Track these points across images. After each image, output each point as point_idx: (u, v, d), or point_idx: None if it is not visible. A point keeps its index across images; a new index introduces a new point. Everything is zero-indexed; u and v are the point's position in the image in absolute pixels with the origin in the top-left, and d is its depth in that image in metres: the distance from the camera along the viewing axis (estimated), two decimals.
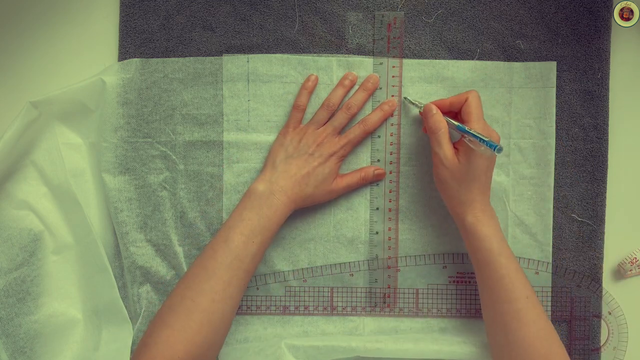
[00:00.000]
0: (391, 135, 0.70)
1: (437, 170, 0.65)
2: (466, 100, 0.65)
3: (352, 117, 0.69)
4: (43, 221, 0.69)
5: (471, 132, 0.62)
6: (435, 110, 0.65)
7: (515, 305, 0.62)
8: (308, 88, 0.69)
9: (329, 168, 0.68)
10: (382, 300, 0.71)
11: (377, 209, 0.71)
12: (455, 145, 0.65)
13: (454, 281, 0.71)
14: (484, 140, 0.61)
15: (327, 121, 0.69)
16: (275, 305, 0.71)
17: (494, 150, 0.61)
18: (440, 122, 0.64)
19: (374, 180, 0.71)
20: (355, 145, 0.70)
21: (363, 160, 0.71)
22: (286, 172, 0.67)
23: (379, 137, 0.70)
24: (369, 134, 0.70)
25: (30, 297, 0.68)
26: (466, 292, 0.71)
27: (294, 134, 0.69)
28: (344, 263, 0.71)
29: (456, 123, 0.64)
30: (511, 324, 0.62)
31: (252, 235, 0.64)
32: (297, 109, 0.69)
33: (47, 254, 0.69)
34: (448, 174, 0.64)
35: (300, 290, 0.71)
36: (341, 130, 0.69)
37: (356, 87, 0.70)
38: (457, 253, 0.71)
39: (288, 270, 0.71)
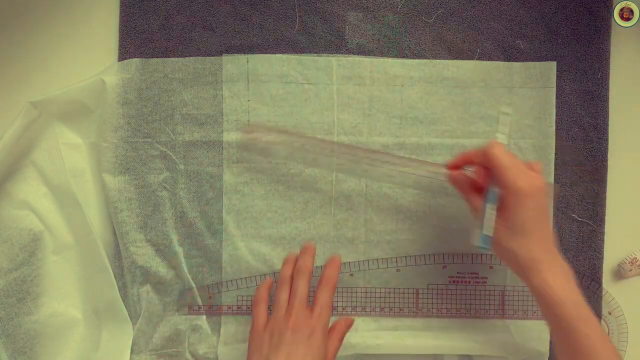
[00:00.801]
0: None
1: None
2: (490, 156, 0.58)
3: (310, 280, 0.64)
4: (43, 221, 0.69)
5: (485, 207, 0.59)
6: (462, 178, 0.61)
7: None
8: (267, 285, 0.66)
9: (317, 348, 0.60)
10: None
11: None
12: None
13: (454, 281, 0.71)
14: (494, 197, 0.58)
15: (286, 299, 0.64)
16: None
17: (479, 244, 0.58)
18: (470, 194, 0.61)
19: (347, 329, 0.66)
20: (330, 306, 0.63)
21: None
22: None
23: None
24: (335, 289, 0.65)
25: (30, 297, 0.68)
26: (466, 292, 0.71)
27: (265, 331, 0.62)
28: (344, 263, 0.71)
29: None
30: None
31: None
32: (257, 303, 0.64)
33: (47, 254, 0.69)
34: (497, 235, 0.58)
35: None
36: (308, 298, 0.63)
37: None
38: (457, 253, 0.71)
39: None
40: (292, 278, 0.65)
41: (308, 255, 0.66)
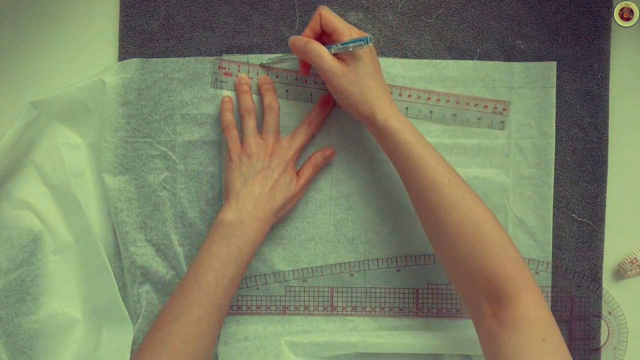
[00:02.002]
0: None
1: (333, 84, 0.63)
2: (321, 17, 0.64)
3: (278, 115, 0.69)
4: (43, 221, 0.69)
5: (336, 46, 0.63)
6: (303, 39, 0.64)
7: (439, 191, 0.60)
8: (228, 109, 0.69)
9: (289, 175, 0.68)
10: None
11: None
12: (337, 57, 0.63)
13: None
14: (353, 42, 0.61)
15: (256, 127, 0.69)
16: (275, 305, 0.71)
17: (366, 43, 0.61)
18: (310, 41, 0.63)
19: (326, 163, 0.70)
20: (304, 146, 0.70)
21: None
22: (251, 195, 0.65)
23: None
24: (314, 135, 0.70)
25: (30, 297, 0.68)
26: None
27: (241, 155, 0.67)
28: (344, 263, 0.71)
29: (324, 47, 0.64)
30: (438, 210, 0.60)
31: (223, 269, 0.63)
32: (228, 129, 0.68)
33: (47, 254, 0.69)
34: (344, 81, 0.63)
35: (300, 290, 0.71)
36: (279, 131, 0.69)
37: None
38: None
39: (288, 270, 0.71)
40: (254, 107, 0.69)
41: (272, 92, 0.69)
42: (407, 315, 0.71)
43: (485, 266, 0.58)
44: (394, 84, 0.70)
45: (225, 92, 0.70)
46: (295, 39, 0.64)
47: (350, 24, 0.69)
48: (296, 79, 0.70)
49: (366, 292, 0.71)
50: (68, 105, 0.68)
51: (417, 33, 0.70)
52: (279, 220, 0.69)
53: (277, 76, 0.70)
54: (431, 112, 0.70)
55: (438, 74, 0.70)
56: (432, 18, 0.70)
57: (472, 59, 0.70)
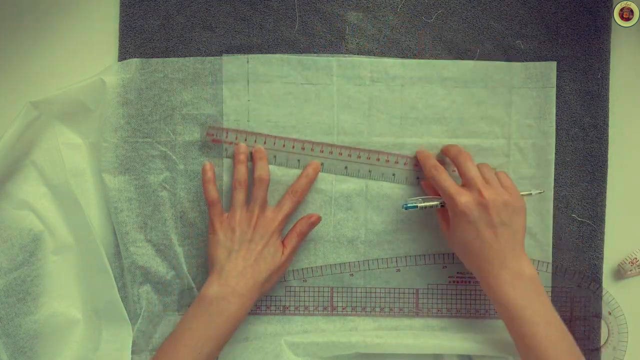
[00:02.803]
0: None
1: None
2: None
3: (267, 187, 0.68)
4: (43, 221, 0.69)
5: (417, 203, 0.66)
6: (432, 160, 0.67)
7: None
8: (210, 180, 0.67)
9: (274, 246, 0.67)
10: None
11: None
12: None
13: (454, 281, 0.71)
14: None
15: (245, 200, 0.68)
16: (275, 305, 0.71)
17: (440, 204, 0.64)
18: (442, 180, 0.65)
19: (311, 229, 0.70)
20: (290, 216, 0.68)
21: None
22: (234, 269, 0.65)
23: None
24: (300, 203, 0.69)
25: (30, 297, 0.68)
26: (466, 292, 0.71)
27: (225, 228, 0.66)
28: (344, 263, 0.71)
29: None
30: None
31: (199, 346, 0.62)
32: (212, 204, 0.67)
33: (47, 254, 0.69)
34: (448, 237, 0.66)
35: (300, 290, 0.71)
36: (267, 203, 0.68)
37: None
38: None
39: (288, 270, 0.71)
40: (246, 180, 0.68)
41: (263, 162, 0.68)
42: (407, 315, 0.71)
43: None
44: (394, 84, 0.70)
45: (206, 162, 0.69)
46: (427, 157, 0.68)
47: (351, 23, 0.69)
48: (283, 145, 0.70)
49: (366, 292, 0.71)
50: (68, 105, 0.68)
51: (417, 33, 0.70)
52: (264, 294, 0.68)
53: (264, 142, 0.70)
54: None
55: (438, 74, 0.70)
56: (432, 18, 0.70)
57: (472, 59, 0.70)
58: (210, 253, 0.67)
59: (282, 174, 0.70)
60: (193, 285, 0.71)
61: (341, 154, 0.70)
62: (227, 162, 0.70)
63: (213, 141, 0.70)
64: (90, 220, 0.69)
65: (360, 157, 0.70)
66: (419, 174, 0.70)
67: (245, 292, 0.64)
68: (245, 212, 0.67)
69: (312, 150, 0.70)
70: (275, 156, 0.70)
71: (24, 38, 0.70)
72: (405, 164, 0.70)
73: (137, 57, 0.70)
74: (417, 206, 0.66)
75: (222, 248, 0.66)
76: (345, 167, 0.70)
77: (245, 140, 0.70)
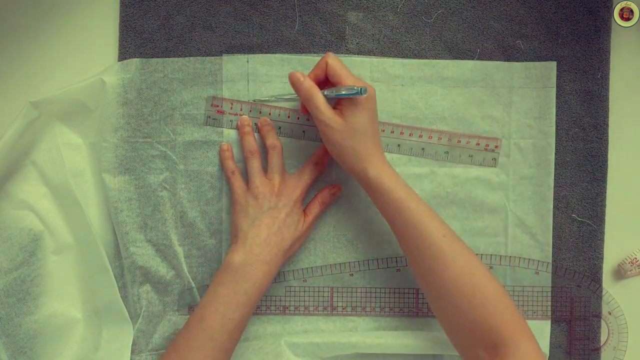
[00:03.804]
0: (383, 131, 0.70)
1: (327, 135, 0.63)
2: (327, 65, 0.63)
3: (282, 154, 0.68)
4: (43, 221, 0.69)
5: (330, 91, 0.63)
6: (302, 77, 0.63)
7: (436, 247, 0.61)
8: (228, 157, 0.69)
9: (297, 214, 0.67)
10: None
11: None
12: (336, 107, 0.64)
13: None
14: (349, 93, 0.62)
15: (261, 168, 0.69)
16: (275, 305, 0.71)
17: (360, 93, 0.61)
18: (312, 87, 0.63)
19: (333, 200, 0.70)
20: (311, 185, 0.69)
21: None
22: (258, 237, 0.65)
23: None
24: (321, 173, 0.70)
25: (30, 297, 0.68)
26: None
27: (247, 196, 0.67)
28: (344, 263, 0.71)
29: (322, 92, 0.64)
30: (435, 267, 0.61)
31: (229, 312, 0.63)
32: (232, 173, 0.68)
33: (47, 254, 0.69)
34: (338, 134, 0.63)
35: (300, 290, 0.71)
36: (284, 169, 0.69)
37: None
38: None
39: (288, 270, 0.71)
40: (257, 148, 0.69)
41: (273, 132, 0.69)
42: (407, 315, 0.71)
43: (483, 317, 0.59)
44: (394, 84, 0.70)
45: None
46: (294, 75, 0.64)
47: (351, 23, 0.69)
48: (289, 116, 0.70)
49: (366, 292, 0.71)
50: (68, 105, 0.68)
51: (417, 33, 0.70)
52: (287, 260, 0.69)
53: (269, 113, 0.70)
54: (423, 149, 0.70)
55: (438, 74, 0.70)
56: (432, 18, 0.70)
57: (472, 59, 0.70)
58: (233, 221, 0.68)
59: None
60: (193, 285, 0.71)
61: None
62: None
63: (218, 112, 0.70)
64: (90, 220, 0.69)
65: None
66: (425, 146, 0.70)
67: (270, 260, 0.65)
68: (265, 179, 0.68)
69: None
70: (280, 127, 0.70)
71: (24, 38, 0.70)
72: (410, 134, 0.70)
73: (137, 57, 0.70)
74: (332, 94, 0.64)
75: (245, 216, 0.67)
76: None
77: (250, 111, 0.70)
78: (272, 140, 0.68)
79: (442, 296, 0.61)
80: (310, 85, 0.63)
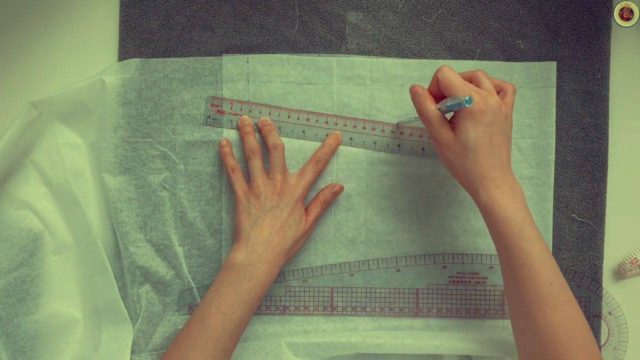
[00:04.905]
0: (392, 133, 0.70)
1: (441, 153, 0.61)
2: (438, 80, 0.60)
3: (283, 153, 0.69)
4: (43, 221, 0.69)
5: (440, 105, 0.59)
6: (421, 90, 0.61)
7: (538, 292, 0.57)
8: (228, 153, 0.69)
9: (298, 214, 0.67)
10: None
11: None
12: (451, 121, 0.60)
13: (454, 281, 0.71)
14: (452, 104, 0.57)
15: (263, 167, 0.68)
16: (275, 305, 0.71)
17: (463, 105, 0.56)
18: (425, 100, 0.60)
19: (334, 199, 0.70)
20: (312, 184, 0.69)
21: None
22: (260, 236, 0.65)
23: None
24: (322, 171, 0.70)
25: (30, 297, 0.68)
26: (466, 292, 0.71)
27: (249, 195, 0.67)
28: (344, 263, 0.71)
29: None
30: (533, 310, 0.57)
31: (230, 312, 0.62)
32: (233, 170, 0.68)
33: (47, 254, 0.69)
34: (448, 151, 0.60)
35: (300, 290, 0.71)
36: (286, 168, 0.69)
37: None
38: (457, 253, 0.71)
39: (288, 270, 0.71)
40: (259, 148, 0.69)
41: (274, 132, 0.69)
42: (407, 315, 0.71)
43: None
44: (394, 84, 0.70)
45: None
46: (413, 88, 0.61)
47: (351, 23, 0.69)
48: (289, 116, 0.70)
49: (366, 292, 0.71)
50: (68, 105, 0.68)
51: (417, 33, 0.70)
52: (289, 260, 0.69)
53: (269, 113, 0.70)
54: (423, 149, 0.71)
55: None
56: (432, 18, 0.70)
57: (472, 59, 0.70)
58: (235, 220, 0.68)
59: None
60: (193, 285, 0.71)
61: (346, 125, 0.70)
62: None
63: (218, 112, 0.70)
64: (90, 220, 0.69)
65: (365, 128, 0.70)
66: (424, 145, 0.70)
67: (272, 259, 0.65)
68: (267, 178, 0.68)
69: (316, 121, 0.70)
70: (280, 127, 0.70)
71: (24, 38, 0.70)
72: (410, 134, 0.70)
73: (137, 57, 0.70)
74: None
75: (247, 215, 0.67)
76: (351, 139, 0.70)
77: (250, 111, 0.70)
78: (273, 139, 0.68)
79: (535, 342, 0.58)
80: (424, 98, 0.61)
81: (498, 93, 0.61)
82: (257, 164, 0.68)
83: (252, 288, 0.64)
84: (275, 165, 0.68)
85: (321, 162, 0.69)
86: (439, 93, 0.61)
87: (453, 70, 0.60)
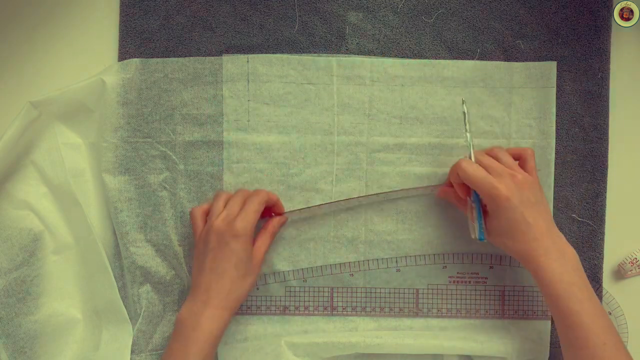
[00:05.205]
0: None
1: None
2: (458, 175, 0.65)
3: (242, 202, 0.66)
4: (43, 221, 0.69)
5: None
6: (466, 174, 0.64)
7: (591, 353, 0.59)
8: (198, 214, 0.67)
9: (244, 252, 0.64)
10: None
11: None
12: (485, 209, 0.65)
13: (454, 281, 0.71)
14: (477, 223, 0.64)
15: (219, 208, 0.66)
16: (276, 305, 0.71)
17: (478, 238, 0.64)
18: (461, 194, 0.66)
19: (280, 227, 0.69)
20: (258, 213, 0.66)
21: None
22: (202, 282, 0.63)
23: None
24: (264, 203, 0.67)
25: (30, 297, 0.68)
26: (466, 292, 0.71)
27: (199, 241, 0.65)
28: (344, 263, 0.71)
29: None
30: None
31: None
32: (194, 217, 0.67)
33: (47, 254, 0.69)
34: (490, 237, 0.65)
35: (300, 290, 0.71)
36: (238, 212, 0.65)
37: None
38: (457, 253, 0.71)
39: (288, 270, 0.71)
40: (227, 194, 0.67)
41: (259, 193, 0.67)
42: (407, 315, 0.71)
43: None
44: (394, 84, 0.70)
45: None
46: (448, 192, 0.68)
47: (351, 23, 0.69)
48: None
49: (366, 292, 0.71)
50: (68, 105, 0.68)
51: (417, 33, 0.70)
52: (240, 302, 0.66)
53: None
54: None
55: (438, 74, 0.70)
56: (432, 18, 0.70)
57: (472, 59, 0.70)
58: (192, 268, 0.67)
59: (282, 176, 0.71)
60: None
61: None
62: (227, 162, 0.70)
63: None
64: (90, 220, 0.69)
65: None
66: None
67: (217, 303, 0.63)
68: (217, 219, 0.64)
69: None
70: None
71: (24, 38, 0.70)
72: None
73: (137, 57, 0.70)
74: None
75: (197, 261, 0.65)
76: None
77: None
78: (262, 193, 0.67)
79: None
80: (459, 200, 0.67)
81: (518, 161, 0.65)
82: (214, 207, 0.66)
83: (199, 337, 0.62)
84: (227, 207, 0.65)
85: (266, 195, 0.67)
86: (459, 181, 0.65)
87: (471, 162, 0.64)
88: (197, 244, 0.66)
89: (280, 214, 0.69)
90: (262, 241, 0.67)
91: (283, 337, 0.69)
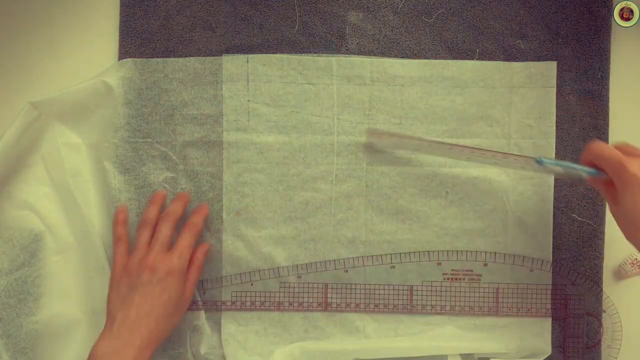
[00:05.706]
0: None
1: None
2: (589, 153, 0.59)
3: (175, 225, 0.66)
4: (44, 221, 0.69)
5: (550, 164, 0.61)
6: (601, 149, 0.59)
7: None
8: (120, 221, 0.67)
9: (174, 288, 0.62)
10: None
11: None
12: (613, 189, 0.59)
13: (448, 278, 0.71)
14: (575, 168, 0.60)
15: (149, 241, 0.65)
16: (270, 301, 0.71)
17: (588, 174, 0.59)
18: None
19: (205, 257, 0.69)
20: (191, 249, 0.66)
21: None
22: (127, 318, 0.59)
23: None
24: (200, 235, 0.68)
25: (32, 297, 0.68)
26: (460, 289, 0.71)
27: (123, 272, 0.63)
28: (339, 259, 0.71)
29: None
30: None
31: None
32: (117, 242, 0.66)
33: (48, 254, 0.69)
34: (618, 223, 0.59)
35: (294, 286, 0.71)
36: (170, 242, 0.65)
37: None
38: (451, 250, 0.71)
39: (283, 267, 0.71)
40: (156, 221, 0.66)
41: (180, 201, 0.68)
42: (401, 311, 0.71)
43: None
44: (394, 84, 0.70)
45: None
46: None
47: (351, 23, 0.69)
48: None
49: (361, 289, 0.72)
50: (68, 105, 0.68)
51: (417, 33, 0.70)
52: (165, 337, 0.63)
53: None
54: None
55: (438, 74, 0.70)
56: (432, 18, 0.70)
57: (472, 59, 0.70)
58: (107, 300, 0.64)
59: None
60: None
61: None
62: (227, 162, 0.70)
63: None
64: (91, 220, 0.69)
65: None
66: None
67: (139, 344, 0.60)
68: (143, 253, 0.64)
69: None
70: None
71: (23, 38, 0.70)
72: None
73: (137, 57, 0.70)
74: (546, 162, 0.61)
75: (115, 294, 0.63)
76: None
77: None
78: (173, 207, 0.66)
79: None
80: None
81: None
82: (146, 235, 0.65)
83: None
84: (158, 234, 0.64)
85: (196, 226, 0.67)
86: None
87: (602, 142, 0.60)
88: (120, 274, 0.64)
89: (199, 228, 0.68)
90: (193, 277, 0.66)
91: (283, 338, 0.70)
